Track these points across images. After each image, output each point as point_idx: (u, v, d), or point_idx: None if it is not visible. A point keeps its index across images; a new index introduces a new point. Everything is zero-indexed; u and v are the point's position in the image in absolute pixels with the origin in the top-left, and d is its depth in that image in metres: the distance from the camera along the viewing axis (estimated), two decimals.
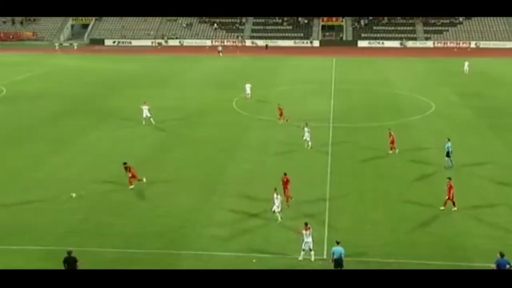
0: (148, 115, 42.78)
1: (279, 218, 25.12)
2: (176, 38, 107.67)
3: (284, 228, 24.71)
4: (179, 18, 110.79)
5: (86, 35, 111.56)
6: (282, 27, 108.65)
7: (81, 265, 19.65)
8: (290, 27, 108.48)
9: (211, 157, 35.17)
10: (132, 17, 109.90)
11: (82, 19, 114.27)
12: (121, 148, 37.01)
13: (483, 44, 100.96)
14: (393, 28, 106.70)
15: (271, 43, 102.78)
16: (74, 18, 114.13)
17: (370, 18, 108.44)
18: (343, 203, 27.87)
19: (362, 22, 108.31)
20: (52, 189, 29.43)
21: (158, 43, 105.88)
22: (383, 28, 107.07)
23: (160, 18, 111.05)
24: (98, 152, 36.20)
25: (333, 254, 20.62)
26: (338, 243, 20.78)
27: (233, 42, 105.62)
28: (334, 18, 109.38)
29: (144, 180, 29.90)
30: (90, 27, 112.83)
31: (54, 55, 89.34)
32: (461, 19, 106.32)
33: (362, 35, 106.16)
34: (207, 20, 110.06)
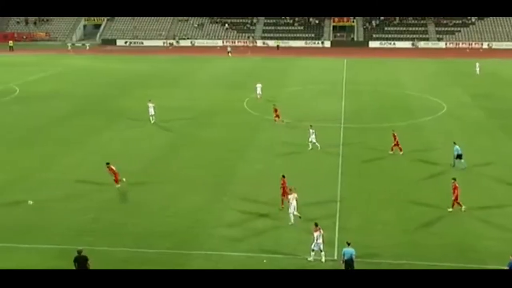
0: (153, 113, 43.15)
1: (292, 220, 25.11)
2: (188, 38, 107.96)
3: (294, 229, 24.72)
4: (190, 18, 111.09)
5: (98, 35, 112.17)
6: (293, 28, 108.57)
7: (91, 264, 19.79)
8: (301, 28, 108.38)
9: (221, 157, 35.25)
10: (144, 18, 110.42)
11: (94, 20, 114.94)
12: (132, 148, 37.22)
13: (495, 45, 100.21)
14: (404, 28, 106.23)
15: (282, 43, 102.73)
16: (86, 18, 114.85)
17: (382, 18, 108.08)
18: (353, 203, 27.83)
19: (373, 22, 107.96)
20: (63, 188, 29.66)
21: (170, 43, 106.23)
22: (395, 28, 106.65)
23: (172, 18, 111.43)
24: (108, 152, 36.38)
25: (344, 255, 20.61)
26: (349, 244, 20.77)
27: (244, 42, 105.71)
28: (345, 19, 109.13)
29: (124, 179, 29.95)
30: (102, 27, 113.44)
31: (66, 55, 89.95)
32: (473, 19, 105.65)
33: (374, 35, 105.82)
34: (218, 20, 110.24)
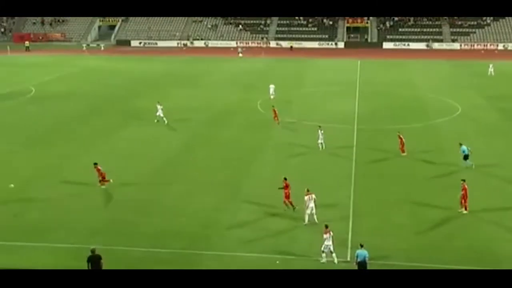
0: (161, 115, 43.54)
1: (306, 220, 25.08)
2: (201, 39, 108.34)
3: (307, 230, 24.71)
4: (204, 19, 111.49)
5: (113, 36, 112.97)
6: (306, 29, 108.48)
7: (104, 263, 19.94)
8: (315, 29, 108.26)
9: (235, 157, 35.35)
10: (158, 19, 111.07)
11: (109, 21, 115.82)
12: (146, 148, 37.44)
13: (511, 46, 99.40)
14: (419, 29, 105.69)
15: (295, 44, 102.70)
16: (101, 19, 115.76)
17: (396, 19, 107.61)
18: (366, 205, 27.77)
19: (387, 23, 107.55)
20: (78, 187, 29.92)
21: (184, 44, 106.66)
22: (409, 29, 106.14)
23: (186, 19, 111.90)
24: (123, 152, 36.68)
25: (357, 257, 20.60)
26: (362, 246, 20.75)
27: (257, 43, 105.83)
28: (359, 20, 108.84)
29: (112, 180, 30.06)
30: (116, 28, 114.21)
31: (81, 55, 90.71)
32: (488, 20, 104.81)
33: (388, 36, 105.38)
34: (232, 21, 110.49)
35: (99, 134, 41.29)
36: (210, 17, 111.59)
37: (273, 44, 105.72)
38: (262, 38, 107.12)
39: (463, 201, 26.38)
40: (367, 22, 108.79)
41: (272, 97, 52.68)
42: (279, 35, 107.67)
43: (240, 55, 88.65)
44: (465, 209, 26.36)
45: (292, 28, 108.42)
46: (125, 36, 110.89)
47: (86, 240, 23.47)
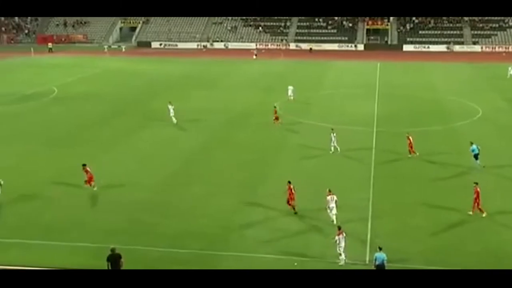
0: (172, 114, 43.99)
1: (334, 219, 25.04)
2: (221, 41, 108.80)
3: (324, 232, 24.75)
4: (224, 21, 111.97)
5: (133, 37, 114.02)
6: (326, 31, 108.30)
7: (124, 262, 20.19)
8: (335, 31, 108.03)
9: (253, 159, 35.48)
10: (178, 21, 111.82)
11: (130, 22, 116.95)
12: (165, 149, 37.75)
13: None
14: (439, 32, 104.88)
15: (315, 46, 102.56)
16: (122, 21, 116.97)
17: (416, 22, 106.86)
18: (385, 207, 27.69)
19: (407, 26, 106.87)
20: (99, 188, 30.24)
21: (203, 45, 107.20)
22: (429, 32, 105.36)
23: (206, 21, 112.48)
24: (143, 153, 37.00)
25: (375, 260, 20.60)
26: (380, 249, 20.74)
27: (277, 45, 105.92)
28: (379, 22, 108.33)
29: (95, 188, 29.89)
30: (137, 30, 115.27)
31: (103, 57, 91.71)
32: (510, 23, 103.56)
33: (408, 39, 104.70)
34: (251, 23, 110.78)
35: (119, 135, 41.75)
36: (230, 19, 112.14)
37: (292, 46, 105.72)
38: (282, 40, 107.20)
39: (476, 204, 26.21)
40: (387, 25, 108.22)
41: (291, 98, 52.77)
42: (298, 37, 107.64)
43: (255, 57, 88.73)
44: (482, 212, 26.17)
45: (311, 30, 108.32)
46: (146, 38, 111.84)
47: (106, 239, 23.74)
